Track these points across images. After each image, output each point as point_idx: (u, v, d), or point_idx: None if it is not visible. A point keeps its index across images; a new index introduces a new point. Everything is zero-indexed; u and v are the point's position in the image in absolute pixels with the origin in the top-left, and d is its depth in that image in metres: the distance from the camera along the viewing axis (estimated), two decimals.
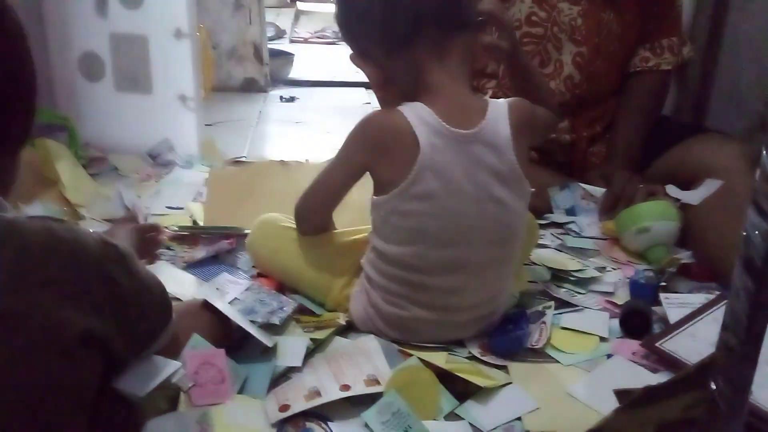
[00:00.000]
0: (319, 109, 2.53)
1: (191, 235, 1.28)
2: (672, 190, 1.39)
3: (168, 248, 1.24)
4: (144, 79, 1.75)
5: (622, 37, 1.51)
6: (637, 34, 1.53)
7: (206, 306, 0.92)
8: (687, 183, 1.38)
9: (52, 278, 0.60)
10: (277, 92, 2.73)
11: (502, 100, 0.98)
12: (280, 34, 4.14)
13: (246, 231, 1.20)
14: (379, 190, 0.95)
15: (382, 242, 0.97)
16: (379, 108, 1.01)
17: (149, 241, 1.15)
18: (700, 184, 1.34)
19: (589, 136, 1.59)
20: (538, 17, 1.48)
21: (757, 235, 0.68)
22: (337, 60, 3.43)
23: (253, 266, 1.20)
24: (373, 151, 0.93)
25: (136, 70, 1.74)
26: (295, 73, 3.02)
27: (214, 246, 1.24)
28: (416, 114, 0.91)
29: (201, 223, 1.34)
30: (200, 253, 1.23)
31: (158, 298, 0.75)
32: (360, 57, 0.98)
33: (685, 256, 1.27)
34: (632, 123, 1.54)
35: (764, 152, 0.67)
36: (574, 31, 1.48)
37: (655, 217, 1.29)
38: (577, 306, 1.13)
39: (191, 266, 1.20)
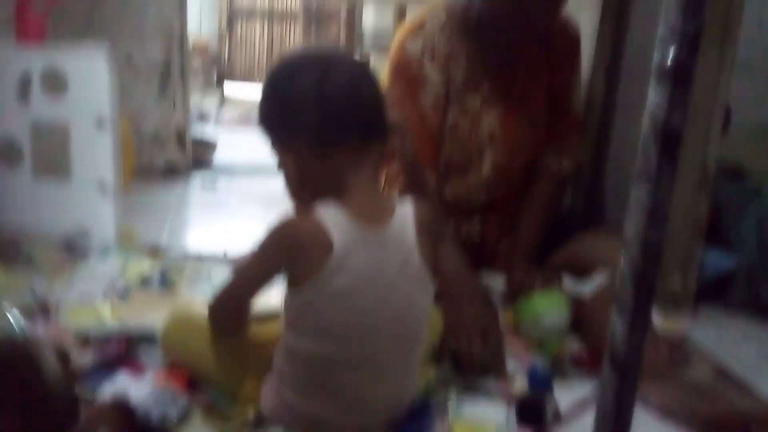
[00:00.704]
0: (240, 196, 2.57)
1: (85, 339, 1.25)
2: (566, 282, 1.51)
3: None
4: (63, 166, 1.76)
5: (534, 141, 1.65)
6: (545, 136, 1.67)
7: (116, 405, 0.93)
8: (580, 276, 1.50)
9: None
10: (198, 178, 2.76)
11: (408, 203, 1.04)
12: (204, 118, 4.21)
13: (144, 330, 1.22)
14: (292, 286, 0.98)
15: (293, 337, 1.00)
16: (290, 200, 1.06)
17: None
18: (591, 277, 1.47)
19: (497, 235, 1.70)
20: (462, 124, 1.59)
21: (619, 332, 0.78)
22: (260, 147, 3.51)
23: (163, 360, 1.20)
24: (288, 253, 0.97)
25: (56, 157, 1.76)
26: (217, 159, 3.07)
27: (101, 352, 1.21)
28: (330, 215, 0.96)
29: (108, 323, 1.32)
30: (88, 356, 1.19)
31: (66, 399, 0.76)
32: (281, 150, 1.03)
33: (577, 347, 1.37)
34: (532, 218, 1.66)
35: (623, 257, 0.78)
36: (493, 138, 1.61)
37: (546, 307, 1.39)
38: (477, 393, 1.19)
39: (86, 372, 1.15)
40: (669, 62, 0.68)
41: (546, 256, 1.64)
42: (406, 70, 1.55)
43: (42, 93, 1.75)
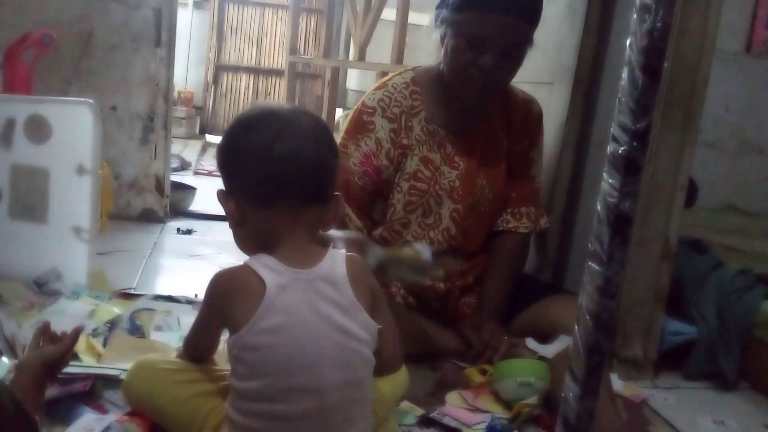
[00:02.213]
0: (215, 244, 2.59)
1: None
2: (531, 343, 1.55)
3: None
4: (40, 210, 1.78)
5: (493, 201, 1.73)
6: (505, 199, 1.75)
7: None
8: (544, 337, 1.54)
9: None
10: (174, 224, 2.78)
11: (341, 250, 1.10)
12: (185, 166, 4.25)
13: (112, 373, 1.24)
14: (232, 333, 1.02)
15: (237, 380, 1.02)
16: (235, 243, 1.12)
17: (57, 365, 1.14)
18: (554, 339, 1.51)
19: (462, 286, 1.75)
20: (423, 175, 1.67)
21: (571, 397, 0.82)
22: None
23: (127, 404, 1.21)
24: (224, 298, 1.03)
25: (33, 201, 1.78)
26: (195, 206, 3.10)
27: (68, 386, 1.22)
28: (261, 263, 1.02)
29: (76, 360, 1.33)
30: (53, 391, 1.19)
31: (26, 430, 0.77)
32: (226, 194, 1.08)
33: (537, 406, 1.40)
34: (498, 278, 1.73)
35: (576, 327, 0.82)
36: (452, 191, 1.68)
37: (538, 375, 1.42)
38: None
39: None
40: (620, 154, 0.74)
41: (511, 318, 1.69)
42: (357, 118, 1.66)
43: (25, 138, 1.77)
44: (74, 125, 1.75)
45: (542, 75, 1.97)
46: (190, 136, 5.94)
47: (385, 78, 1.76)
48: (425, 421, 1.34)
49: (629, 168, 0.75)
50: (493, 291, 1.71)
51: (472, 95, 1.60)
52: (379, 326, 1.06)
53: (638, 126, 0.74)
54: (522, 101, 1.75)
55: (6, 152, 1.79)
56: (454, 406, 1.43)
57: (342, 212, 1.16)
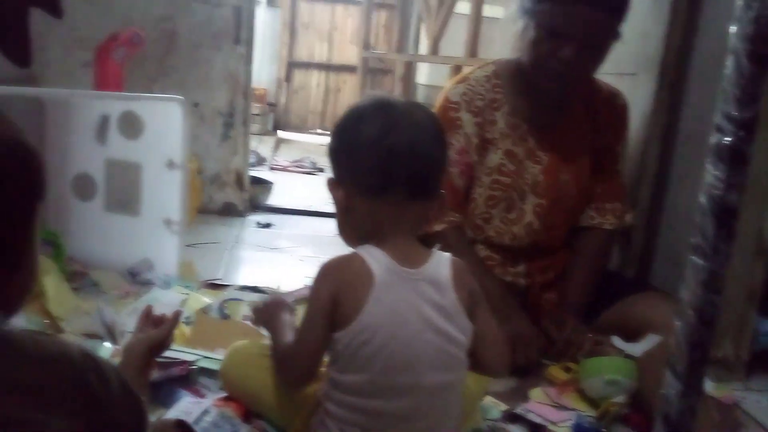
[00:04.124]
0: (293, 237, 2.65)
1: None
2: (617, 341, 1.51)
3: None
4: (133, 202, 1.86)
5: (577, 196, 1.70)
6: (590, 195, 1.72)
7: (180, 426, 0.98)
8: (630, 336, 1.50)
9: (33, 385, 0.68)
10: (254, 217, 2.87)
11: (446, 252, 1.08)
12: (260, 161, 4.35)
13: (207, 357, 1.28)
14: (339, 325, 1.01)
15: (338, 373, 1.03)
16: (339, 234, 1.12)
17: (160, 347, 1.18)
18: (642, 338, 1.47)
19: (543, 282, 1.73)
20: (507, 169, 1.65)
21: (673, 394, 0.80)
22: (313, 190, 3.61)
23: (221, 388, 1.26)
24: (335, 287, 1.01)
25: (127, 194, 1.86)
26: (272, 200, 3.18)
27: (168, 370, 1.28)
28: (370, 254, 1.02)
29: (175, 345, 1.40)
30: (153, 375, 1.23)
31: (134, 410, 0.80)
32: (334, 182, 1.09)
33: (625, 405, 1.37)
34: (581, 275, 1.69)
35: (678, 323, 0.81)
36: (536, 186, 1.66)
37: (626, 373, 1.39)
38: None
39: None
40: (725, 144, 0.71)
41: (595, 315, 1.65)
42: (443, 115, 1.64)
43: (119, 134, 1.86)
44: (165, 121, 1.82)
45: (625, 65, 1.91)
46: (264, 133, 6.07)
47: (466, 71, 1.75)
48: (510, 416, 1.34)
49: (735, 159, 0.72)
50: (576, 287, 1.68)
51: (552, 88, 1.58)
52: (479, 328, 1.05)
53: (745, 115, 0.71)
54: (607, 94, 1.71)
55: (101, 147, 1.88)
56: (538, 402, 1.42)
57: (442, 210, 1.14)
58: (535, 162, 1.67)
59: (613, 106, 1.72)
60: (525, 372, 1.52)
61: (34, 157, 0.71)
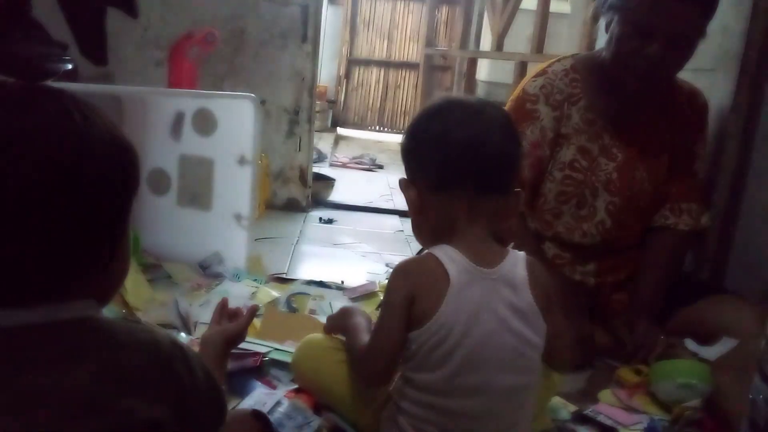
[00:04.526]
0: (355, 233, 2.68)
1: None
2: (690, 344, 1.48)
3: None
4: (205, 197, 1.91)
5: (652, 195, 1.66)
6: (665, 194, 1.68)
7: (255, 416, 1.00)
8: (703, 339, 1.46)
9: (130, 371, 0.70)
10: (316, 213, 2.91)
11: (520, 252, 1.08)
12: (321, 158, 4.40)
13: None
14: (414, 324, 1.02)
15: (412, 371, 1.03)
16: (412, 233, 1.13)
17: (236, 340, 1.21)
18: (716, 341, 1.43)
19: (613, 282, 1.70)
20: (580, 165, 1.63)
21: (761, 399, 0.78)
22: (373, 186, 3.64)
23: (292, 380, 1.29)
24: (411, 287, 1.01)
25: (199, 189, 1.91)
26: (334, 196, 3.22)
27: (241, 361, 1.32)
28: (445, 253, 1.01)
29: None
30: (228, 365, 1.27)
31: (215, 399, 0.83)
32: (408, 182, 1.09)
33: (699, 409, 1.33)
34: (654, 276, 1.65)
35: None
36: (609, 183, 1.63)
37: (699, 377, 1.36)
38: None
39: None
40: None
41: (667, 317, 1.61)
42: (520, 107, 1.63)
43: (193, 131, 1.91)
44: (237, 118, 1.86)
45: (704, 61, 1.85)
46: (323, 129, 6.13)
47: (544, 65, 1.72)
48: (580, 417, 1.32)
49: None
50: (648, 288, 1.64)
51: (635, 85, 1.54)
52: (553, 329, 1.04)
53: None
54: (687, 93, 1.67)
55: (175, 143, 1.94)
56: (607, 404, 1.40)
57: (521, 208, 1.12)
58: (610, 159, 1.64)
59: (693, 104, 1.67)
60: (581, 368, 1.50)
61: (131, 151, 0.74)
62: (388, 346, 1.03)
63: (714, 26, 1.66)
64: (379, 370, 1.05)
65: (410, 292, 1.01)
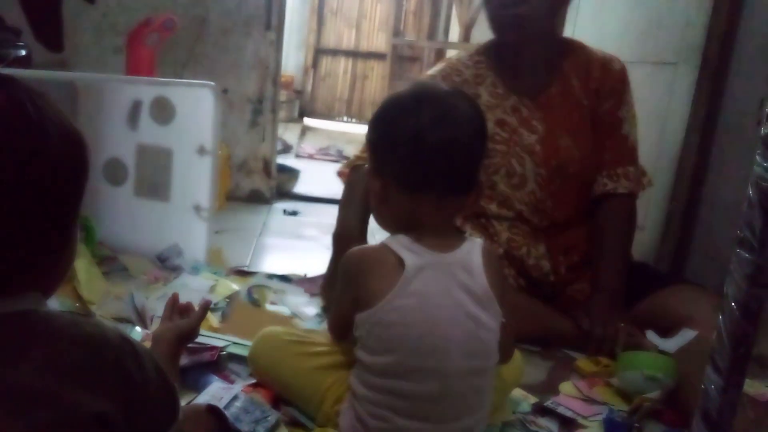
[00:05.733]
0: (320, 225, 2.64)
1: None
2: (652, 336, 1.48)
3: None
4: (163, 188, 1.87)
5: (581, 162, 1.66)
6: (597, 160, 1.68)
7: (211, 411, 0.98)
8: (664, 330, 1.47)
9: (75, 365, 0.68)
10: (280, 205, 2.87)
11: (477, 239, 1.09)
12: (286, 149, 4.35)
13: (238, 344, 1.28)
14: (363, 307, 1.02)
15: (366, 354, 1.03)
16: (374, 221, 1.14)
17: (189, 336, 1.19)
18: (676, 332, 1.44)
19: (567, 266, 1.69)
20: (500, 137, 1.66)
21: (713, 389, 0.78)
22: (338, 179, 3.60)
23: (250, 375, 1.26)
24: (357, 277, 1.03)
25: (157, 179, 1.87)
26: (299, 188, 3.18)
27: (198, 355, 1.29)
28: (400, 243, 1.02)
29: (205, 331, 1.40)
30: (183, 360, 1.25)
31: (167, 395, 0.81)
32: (373, 172, 1.09)
33: (659, 401, 1.34)
34: (608, 247, 1.65)
35: (720, 317, 0.78)
36: (534, 155, 1.65)
37: (665, 370, 1.35)
38: None
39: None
40: None
41: (628, 306, 1.62)
42: None
43: (150, 119, 1.87)
44: (196, 107, 1.82)
45: (666, 55, 1.87)
46: (290, 120, 6.08)
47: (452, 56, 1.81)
48: (540, 409, 1.32)
49: None
50: (604, 262, 1.64)
51: (508, 36, 1.63)
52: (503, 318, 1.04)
53: None
54: (601, 59, 1.70)
55: (132, 132, 1.89)
56: (568, 395, 1.40)
57: (481, 197, 1.14)
58: (531, 131, 1.67)
59: (608, 71, 1.70)
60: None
61: (80, 138, 0.72)
62: (339, 324, 1.13)
63: (676, 20, 1.67)
64: (337, 337, 1.16)
65: (355, 279, 1.04)
